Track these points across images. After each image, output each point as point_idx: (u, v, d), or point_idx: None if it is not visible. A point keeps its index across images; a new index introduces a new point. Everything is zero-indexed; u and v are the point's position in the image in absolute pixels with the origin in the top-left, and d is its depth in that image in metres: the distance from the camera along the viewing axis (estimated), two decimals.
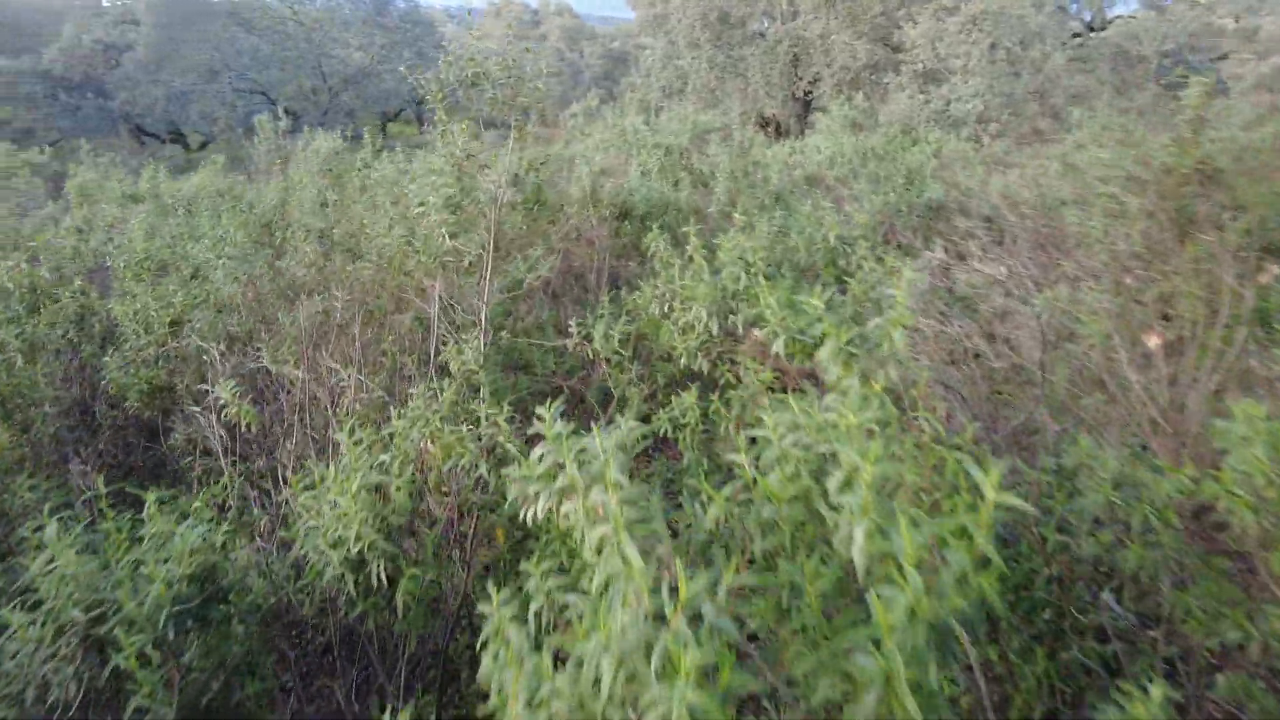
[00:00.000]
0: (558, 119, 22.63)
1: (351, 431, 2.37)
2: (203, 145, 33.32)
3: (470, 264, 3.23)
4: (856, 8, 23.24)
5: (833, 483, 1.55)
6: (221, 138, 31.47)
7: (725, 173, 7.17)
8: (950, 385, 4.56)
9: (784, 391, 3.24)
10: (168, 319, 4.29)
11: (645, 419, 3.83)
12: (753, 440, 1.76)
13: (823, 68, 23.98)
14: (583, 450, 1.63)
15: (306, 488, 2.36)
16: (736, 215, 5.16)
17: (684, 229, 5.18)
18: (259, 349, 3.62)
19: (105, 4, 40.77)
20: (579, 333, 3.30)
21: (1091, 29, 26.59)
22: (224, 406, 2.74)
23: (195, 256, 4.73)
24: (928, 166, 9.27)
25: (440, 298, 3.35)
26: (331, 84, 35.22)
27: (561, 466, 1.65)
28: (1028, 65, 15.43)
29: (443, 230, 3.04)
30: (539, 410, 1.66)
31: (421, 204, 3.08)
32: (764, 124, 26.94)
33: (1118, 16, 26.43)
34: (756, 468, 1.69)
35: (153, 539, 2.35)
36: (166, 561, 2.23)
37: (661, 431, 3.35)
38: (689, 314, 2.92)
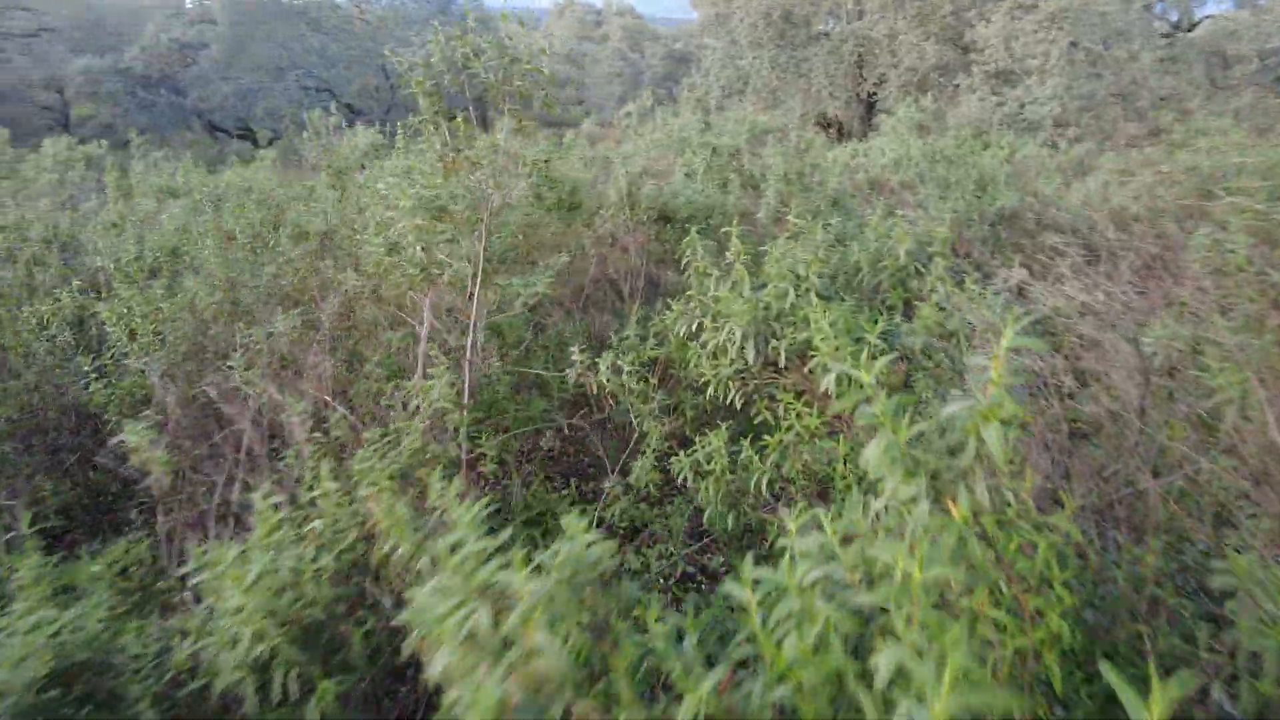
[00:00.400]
0: (613, 119, 22.12)
1: (269, 494, 1.86)
2: (270, 141, 33.82)
3: (451, 279, 2.71)
4: (926, 7, 22.21)
5: (881, 668, 0.96)
6: (286, 134, 31.84)
7: (778, 175, 6.55)
8: (1025, 426, 3.88)
9: (833, 437, 2.62)
10: (151, 327, 3.88)
11: (665, 456, 3.25)
12: (768, 555, 1.18)
13: (889, 68, 23.00)
14: (497, 589, 1.07)
15: (207, 565, 1.85)
16: (791, 218, 4.52)
17: (726, 230, 4.59)
18: (231, 366, 3.18)
19: (188, 4, 41.85)
20: (582, 360, 2.75)
21: (1178, 29, 25.01)
22: (133, 449, 2.27)
23: (187, 256, 4.32)
24: (1001, 172, 8.48)
25: (430, 314, 2.84)
26: (393, 81, 35.40)
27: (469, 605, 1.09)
28: (1111, 65, 14.34)
29: (415, 240, 2.52)
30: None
31: (392, 208, 2.56)
32: (826, 125, 26.04)
33: (1207, 16, 24.80)
34: (766, 622, 1.10)
35: (22, 615, 1.87)
36: (21, 662, 1.74)
37: (680, 477, 2.77)
38: (721, 334, 2.33)
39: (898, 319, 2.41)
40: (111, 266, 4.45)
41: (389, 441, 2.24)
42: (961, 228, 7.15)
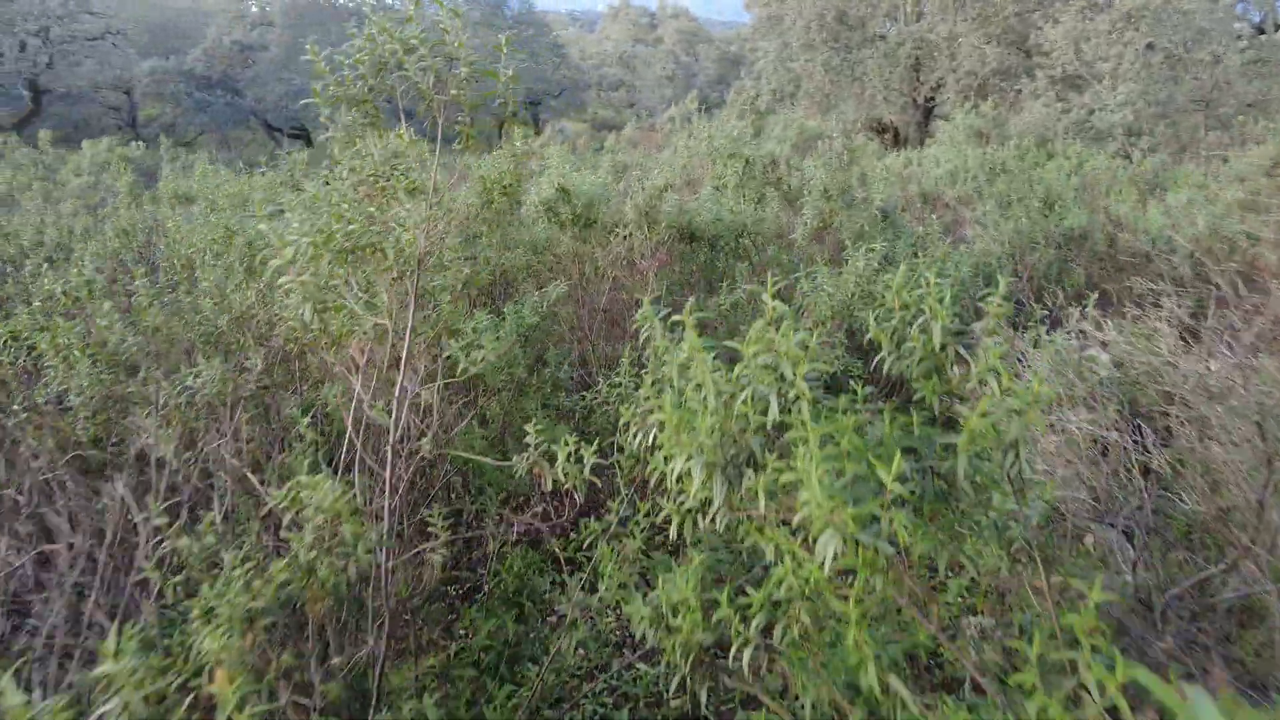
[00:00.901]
0: (655, 124, 21.46)
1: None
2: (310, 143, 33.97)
3: (361, 346, 2.12)
4: (988, 8, 21.11)
5: None
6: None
7: (818, 190, 5.85)
8: (1105, 516, 3.14)
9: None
10: (86, 358, 3.39)
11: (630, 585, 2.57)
12: None
13: (947, 72, 21.95)
14: None
15: None
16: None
17: (754, 256, 3.90)
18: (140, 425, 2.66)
19: (252, 7, 42.50)
20: (536, 445, 2.14)
21: (1261, 31, 23.39)
22: None
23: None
24: (1068, 186, 7.64)
25: (359, 383, 2.23)
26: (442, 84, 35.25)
27: None
28: (1191, 69, 13.21)
29: (302, 295, 1.92)
30: None
31: (276, 254, 1.96)
32: (881, 131, 25.06)
33: None
34: None
35: None
36: None
37: (639, 634, 2.09)
38: (678, 464, 1.67)
39: (929, 426, 1.73)
40: (59, 289, 3.98)
41: (254, 565, 1.67)
42: (1024, 251, 6.36)
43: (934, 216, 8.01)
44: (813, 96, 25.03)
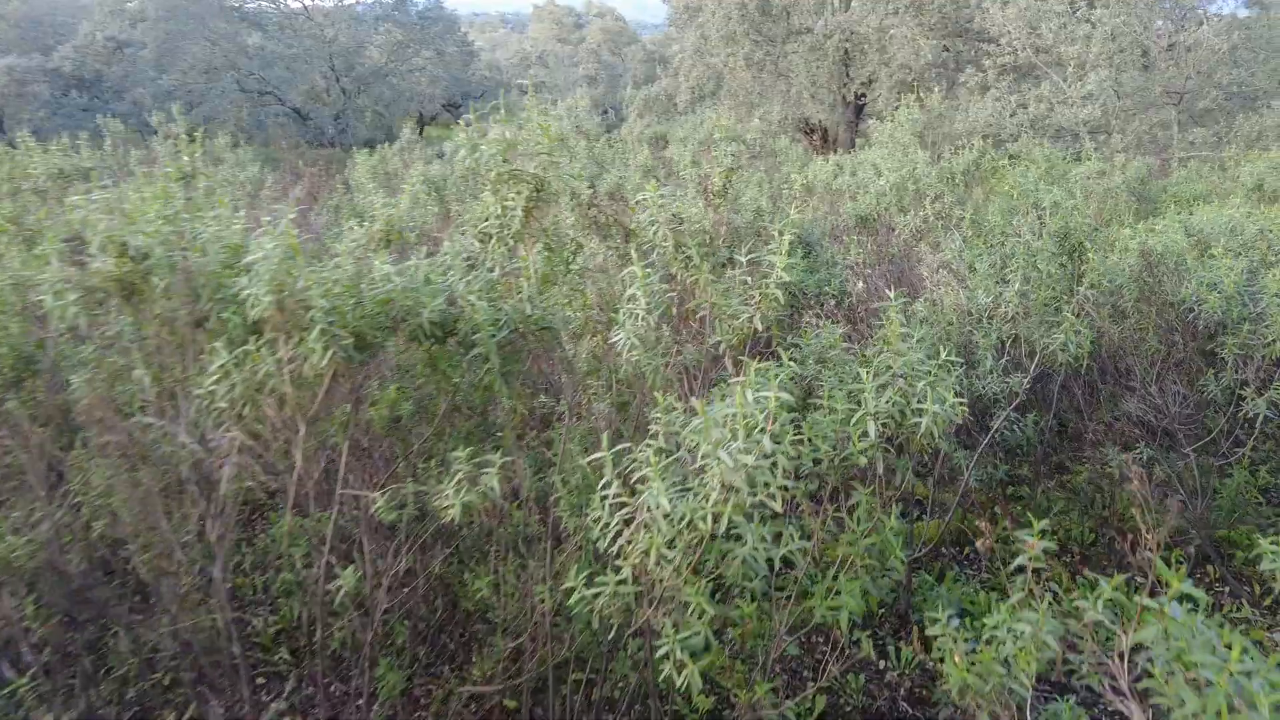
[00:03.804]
0: None
1: None
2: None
3: None
4: None
5: None
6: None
7: (671, 246, 2.97)
8: None
9: None
10: None
11: None
12: None
13: (878, 67, 19.45)
14: None
15: None
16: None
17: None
18: None
19: (132, 3, 38.05)
20: None
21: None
22: None
23: None
24: (1076, 209, 4.89)
25: None
26: (344, 84, 31.64)
27: None
28: (1166, 55, 10.86)
29: None
30: None
31: None
32: (809, 132, 22.49)
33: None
34: None
35: None
36: None
37: None
38: None
39: None
40: None
41: None
42: (1039, 332, 3.61)
43: (869, 250, 5.24)
44: (735, 94, 22.34)
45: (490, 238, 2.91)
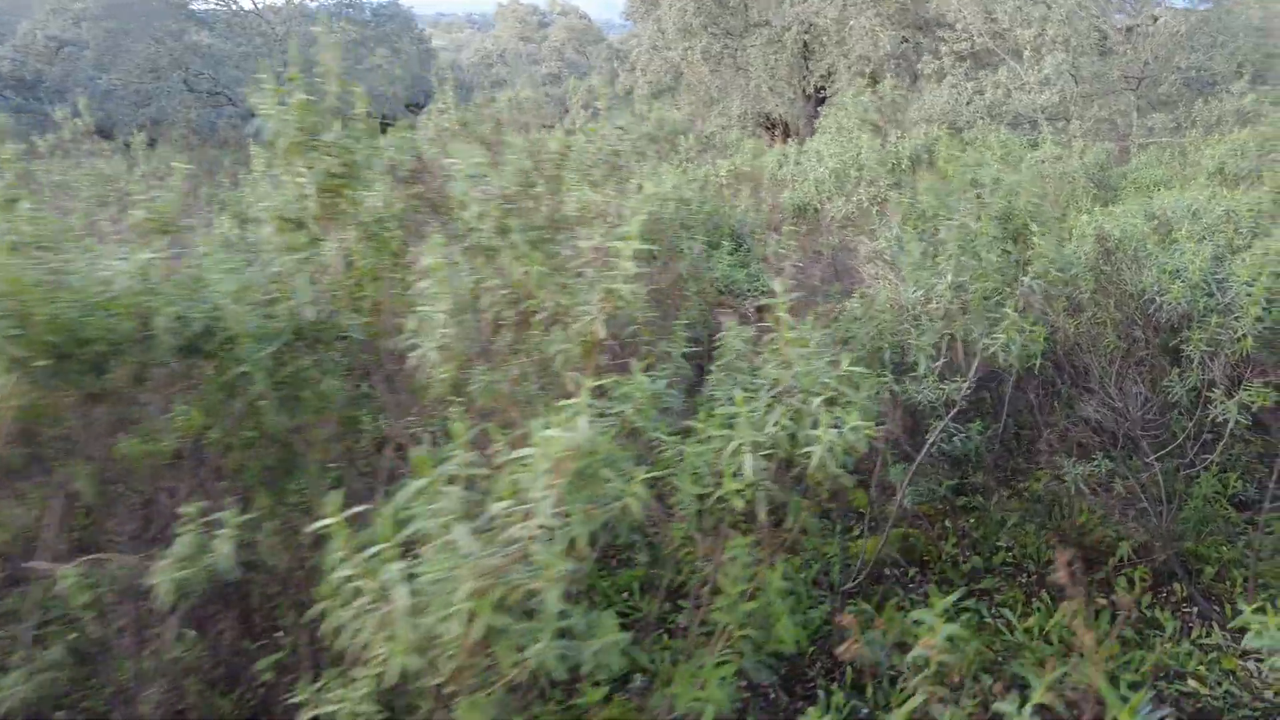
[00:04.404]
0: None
1: None
2: (151, 144, 28.97)
3: None
4: None
5: None
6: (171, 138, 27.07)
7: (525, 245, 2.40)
8: None
9: None
10: None
11: None
12: None
13: (837, 59, 19.01)
14: None
15: None
16: None
17: None
18: None
19: (78, 2, 36.69)
20: None
21: None
22: None
23: None
24: (1021, 189, 4.35)
25: None
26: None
27: None
28: (1123, 40, 10.45)
29: None
30: None
31: None
32: (770, 127, 22.01)
33: None
34: None
35: None
36: None
37: None
38: None
39: None
40: None
41: None
42: (975, 322, 3.07)
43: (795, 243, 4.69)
44: (694, 89, 21.81)
45: (292, 223, 2.30)
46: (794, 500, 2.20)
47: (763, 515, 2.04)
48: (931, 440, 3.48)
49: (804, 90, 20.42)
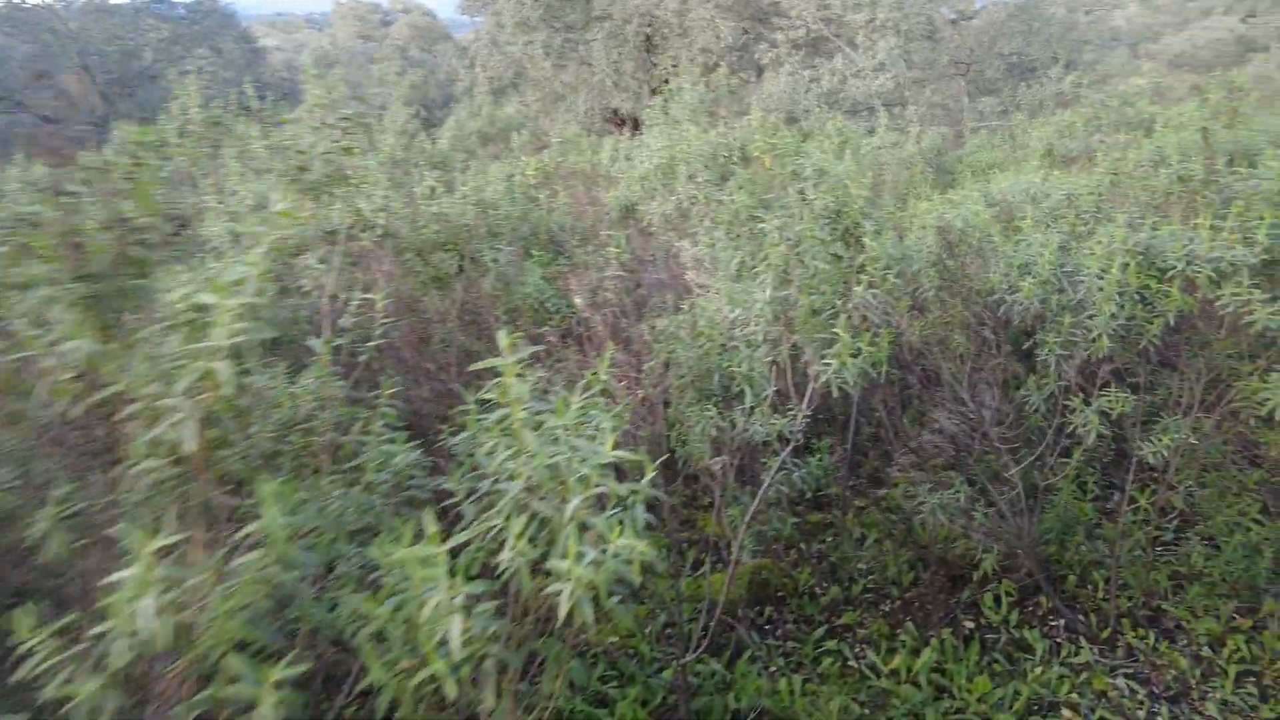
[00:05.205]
0: None
1: None
2: None
3: None
4: None
5: None
6: None
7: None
8: None
9: None
10: None
11: None
12: None
13: (680, 51, 18.68)
14: None
15: None
16: None
17: None
18: None
19: None
20: None
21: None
22: None
23: None
24: (850, 178, 3.82)
25: None
26: (102, 88, 27.52)
27: None
28: (951, 27, 10.50)
29: None
30: None
31: None
32: (620, 123, 21.47)
33: None
34: None
35: None
36: None
37: None
38: None
39: None
40: None
41: None
42: (805, 331, 2.48)
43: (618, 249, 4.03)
44: (539, 85, 20.97)
45: None
46: (551, 653, 1.50)
47: (489, 701, 1.31)
48: (767, 484, 2.89)
49: (649, 84, 20.00)
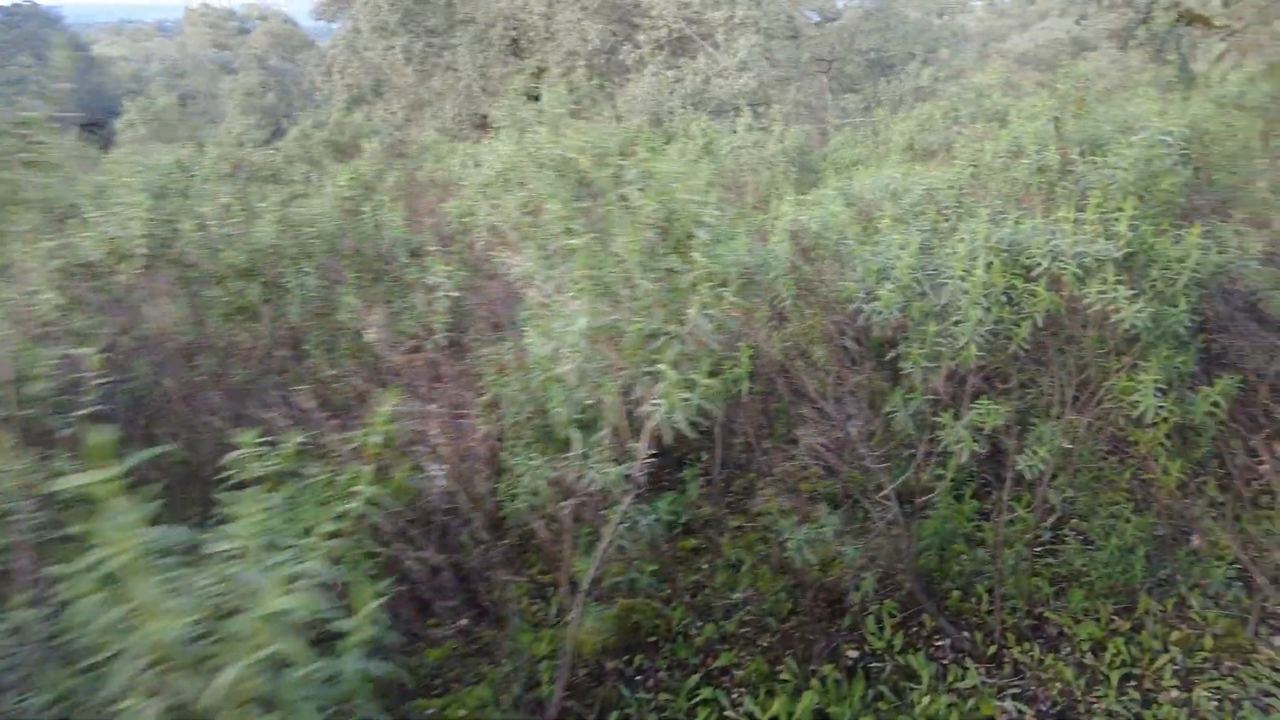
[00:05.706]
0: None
1: None
2: None
3: None
4: None
5: None
6: None
7: None
8: None
9: None
10: None
11: None
12: None
13: (548, 55, 18.17)
14: None
15: None
16: None
17: None
18: None
19: None
20: None
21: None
22: None
23: None
24: (678, 180, 3.42)
25: None
26: None
27: None
28: (815, 29, 10.47)
29: None
30: None
31: None
32: (488, 129, 20.73)
33: None
34: None
35: None
36: None
37: None
38: None
39: None
40: None
41: None
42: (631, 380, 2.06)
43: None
44: (402, 92, 19.99)
45: None
46: None
47: None
48: (609, 539, 2.46)
49: (518, 89, 19.40)
